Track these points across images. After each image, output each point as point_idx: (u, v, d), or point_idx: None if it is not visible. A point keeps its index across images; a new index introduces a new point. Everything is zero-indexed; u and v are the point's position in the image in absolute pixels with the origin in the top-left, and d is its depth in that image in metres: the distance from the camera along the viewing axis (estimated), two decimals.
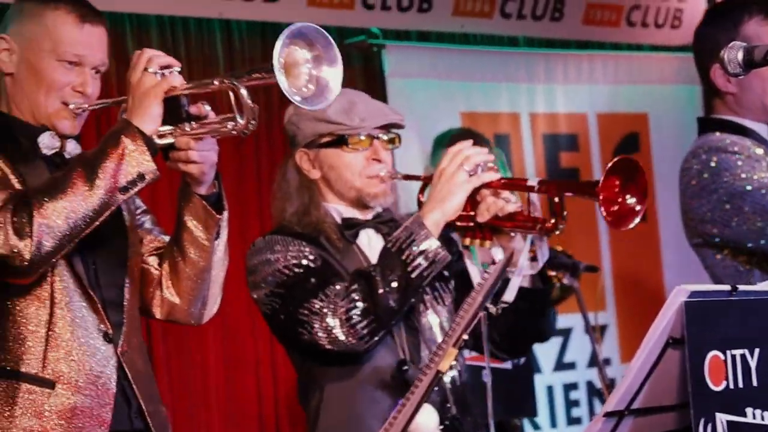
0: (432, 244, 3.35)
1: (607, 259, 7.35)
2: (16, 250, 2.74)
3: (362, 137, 3.55)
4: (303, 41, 2.77)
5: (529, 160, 7.19)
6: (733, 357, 2.47)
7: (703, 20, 3.95)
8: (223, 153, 3.08)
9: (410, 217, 3.44)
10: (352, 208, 3.61)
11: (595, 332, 5.96)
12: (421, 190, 3.64)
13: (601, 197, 3.15)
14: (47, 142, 3.03)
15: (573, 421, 7.04)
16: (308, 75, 2.79)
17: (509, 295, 3.34)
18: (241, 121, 2.79)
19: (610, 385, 5.81)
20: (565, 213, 3.28)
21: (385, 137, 3.61)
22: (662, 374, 2.45)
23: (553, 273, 5.32)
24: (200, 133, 2.89)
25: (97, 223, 2.82)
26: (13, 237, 2.74)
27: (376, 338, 3.38)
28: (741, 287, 2.53)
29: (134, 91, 2.86)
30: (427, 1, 6.81)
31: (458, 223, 3.43)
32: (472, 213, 3.41)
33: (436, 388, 3.41)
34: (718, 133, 3.82)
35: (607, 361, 7.02)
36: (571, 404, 7.05)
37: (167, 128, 2.88)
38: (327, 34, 2.79)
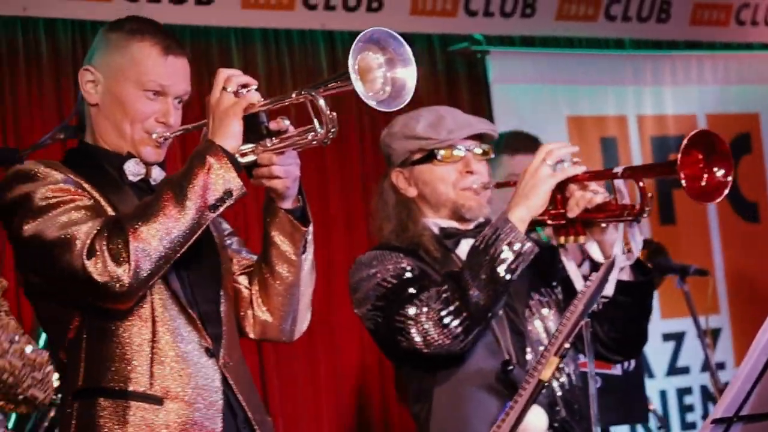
0: (517, 237, 3.34)
1: (720, 261, 7.26)
2: (115, 277, 2.77)
3: (453, 151, 3.57)
4: (375, 45, 2.78)
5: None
6: None
7: None
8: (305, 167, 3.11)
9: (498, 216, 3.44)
10: (450, 220, 3.63)
11: (707, 336, 5.86)
12: None
13: (682, 174, 3.13)
14: (133, 169, 3.08)
15: (687, 426, 6.95)
16: (383, 78, 2.80)
17: (608, 289, 3.32)
18: (321, 131, 2.81)
19: (724, 389, 5.72)
20: (650, 195, 3.27)
21: (478, 149, 3.61)
22: None
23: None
24: (281, 147, 2.91)
25: (191, 242, 2.85)
26: (111, 264, 2.77)
27: (471, 337, 3.38)
28: None
29: (214, 111, 2.89)
30: (531, 6, 6.79)
31: (550, 222, 3.43)
32: (563, 210, 3.40)
33: (543, 391, 3.43)
34: None
35: (721, 365, 6.93)
36: (685, 409, 6.96)
37: (249, 146, 2.91)
38: (398, 36, 2.79)
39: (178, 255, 2.84)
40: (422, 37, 6.64)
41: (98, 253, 2.77)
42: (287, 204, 3.05)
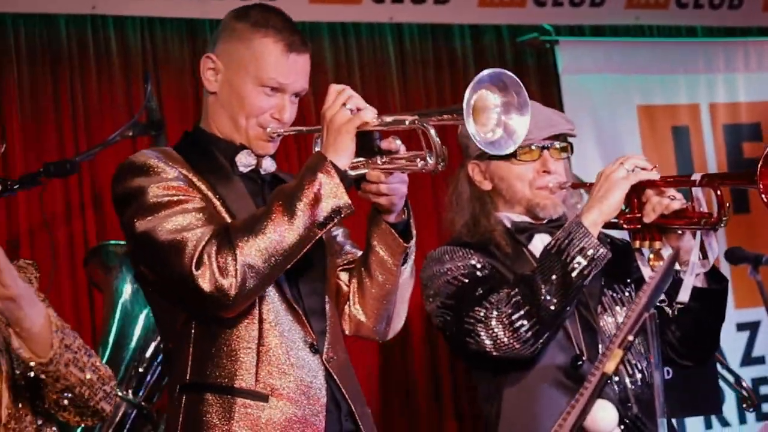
0: (590, 242, 3.32)
1: None
2: (221, 290, 2.81)
3: (531, 148, 3.56)
4: (495, 86, 2.81)
5: (710, 152, 7.05)
6: None
7: None
8: None
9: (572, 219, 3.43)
10: (524, 215, 3.62)
11: None
12: None
13: (761, 186, 3.07)
14: (245, 161, 3.12)
15: (764, 416, 6.87)
16: (497, 120, 2.83)
17: (683, 296, 3.29)
18: (430, 161, 2.85)
19: None
20: (728, 204, 3.22)
21: (556, 147, 3.60)
22: None
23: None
24: (390, 168, 2.96)
25: (298, 258, 2.89)
26: (218, 276, 2.81)
27: (541, 341, 3.36)
28: None
29: (330, 125, 2.91)
30: None
31: (626, 226, 3.39)
32: (639, 215, 3.37)
33: (616, 388, 3.41)
34: None
35: None
36: (761, 399, 6.88)
37: (359, 160, 2.95)
38: (520, 82, 2.82)
39: (285, 269, 2.89)
40: (491, 28, 6.63)
41: (206, 263, 2.82)
42: (392, 218, 3.09)
